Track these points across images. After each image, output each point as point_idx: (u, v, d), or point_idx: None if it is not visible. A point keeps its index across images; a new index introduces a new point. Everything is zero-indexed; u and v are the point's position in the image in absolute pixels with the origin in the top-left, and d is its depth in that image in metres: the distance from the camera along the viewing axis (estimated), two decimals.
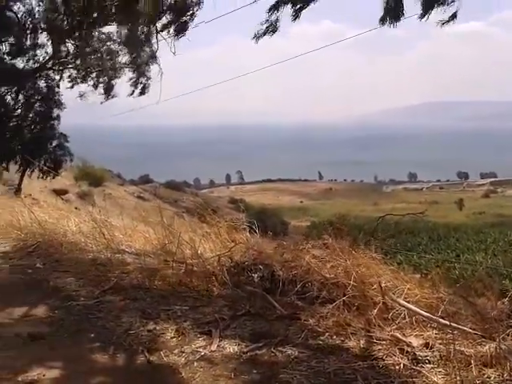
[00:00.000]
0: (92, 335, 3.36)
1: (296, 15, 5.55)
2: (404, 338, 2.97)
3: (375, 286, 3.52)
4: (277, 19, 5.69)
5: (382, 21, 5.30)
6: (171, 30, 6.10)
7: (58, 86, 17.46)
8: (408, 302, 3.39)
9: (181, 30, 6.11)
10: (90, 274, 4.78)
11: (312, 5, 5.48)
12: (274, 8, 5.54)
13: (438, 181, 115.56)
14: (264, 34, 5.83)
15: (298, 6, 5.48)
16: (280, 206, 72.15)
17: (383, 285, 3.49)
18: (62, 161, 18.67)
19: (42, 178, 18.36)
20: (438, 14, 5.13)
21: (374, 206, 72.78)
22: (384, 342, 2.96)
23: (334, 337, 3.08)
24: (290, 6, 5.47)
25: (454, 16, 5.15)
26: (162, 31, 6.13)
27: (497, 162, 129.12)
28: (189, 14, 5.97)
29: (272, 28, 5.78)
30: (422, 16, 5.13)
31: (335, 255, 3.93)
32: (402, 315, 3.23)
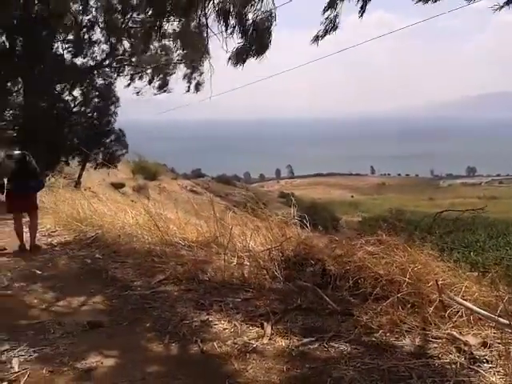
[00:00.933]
0: (148, 324, 3.47)
1: (362, 10, 5.35)
2: (461, 337, 2.88)
3: (431, 284, 3.42)
4: (336, 15, 5.48)
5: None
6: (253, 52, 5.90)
7: (115, 83, 18.06)
8: (465, 300, 3.27)
9: (260, 52, 5.94)
10: (146, 264, 4.95)
11: None
12: (330, 6, 5.37)
13: (498, 175, 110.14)
14: (324, 34, 5.61)
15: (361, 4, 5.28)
16: (331, 200, 71.23)
17: (440, 282, 3.38)
18: (119, 155, 19.36)
19: (96, 169, 19.07)
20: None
21: (429, 201, 70.43)
22: (440, 341, 2.89)
23: (388, 334, 3.02)
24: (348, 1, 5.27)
25: (509, 1, 4.83)
26: (242, 63, 5.93)
27: None
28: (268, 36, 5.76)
29: (332, 26, 5.56)
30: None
31: (390, 251, 3.84)
32: (459, 313, 3.12)
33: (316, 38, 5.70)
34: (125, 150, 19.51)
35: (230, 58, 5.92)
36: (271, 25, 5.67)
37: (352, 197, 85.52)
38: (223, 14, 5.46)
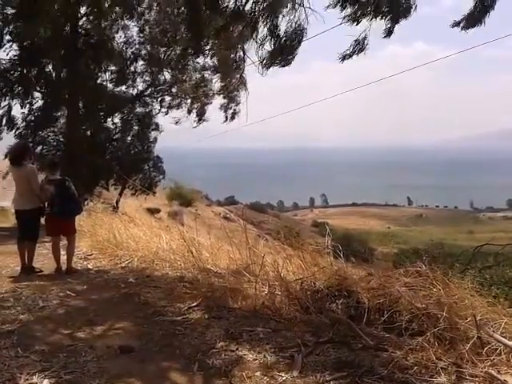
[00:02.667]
0: (177, 351, 3.45)
1: (389, 32, 5.43)
2: (499, 376, 2.74)
3: (469, 319, 3.29)
4: (365, 37, 5.59)
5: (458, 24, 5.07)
6: (277, 61, 6.09)
7: (155, 112, 18.63)
8: (505, 337, 3.12)
9: (286, 62, 6.12)
10: (178, 290, 4.96)
11: (403, 22, 5.33)
12: (352, 19, 5.45)
13: None
14: (351, 54, 5.75)
15: (390, 25, 5.36)
16: (365, 230, 70.19)
17: (478, 318, 3.24)
18: (156, 181, 19.80)
19: (135, 195, 19.52)
20: None
21: (468, 234, 68.31)
22: (477, 379, 2.76)
23: (423, 371, 2.90)
24: (380, 20, 5.35)
25: None
26: (270, 66, 6.13)
27: None
28: (297, 46, 5.95)
29: (359, 48, 5.69)
30: None
31: (428, 284, 3.73)
32: (498, 351, 2.98)
33: (343, 57, 5.81)
34: (162, 176, 19.94)
35: (261, 63, 6.07)
36: (302, 36, 5.79)
37: (388, 228, 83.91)
38: (253, 23, 5.61)
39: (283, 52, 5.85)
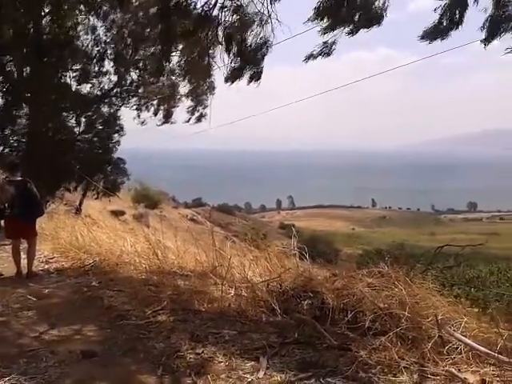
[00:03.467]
0: (142, 355, 3.41)
1: (351, 32, 5.51)
2: (459, 374, 2.82)
3: (431, 319, 3.38)
4: (334, 41, 5.67)
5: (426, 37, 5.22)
6: (247, 76, 6.10)
7: (120, 112, 18.34)
8: (465, 336, 3.22)
9: (254, 78, 6.14)
10: (143, 293, 4.89)
11: (371, 28, 5.43)
12: (330, 29, 5.53)
13: (499, 211, 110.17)
14: (318, 55, 5.82)
15: (351, 28, 5.46)
16: (331, 232, 71.05)
17: (439, 317, 3.33)
18: (119, 183, 19.48)
19: (98, 197, 19.17)
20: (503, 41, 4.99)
21: (430, 235, 70.19)
22: (438, 378, 2.83)
23: (386, 370, 2.96)
24: (345, 28, 5.44)
25: None
26: (235, 80, 6.15)
27: None
28: (261, 59, 5.98)
29: (326, 50, 5.77)
30: (486, 41, 4.98)
31: (390, 284, 3.80)
32: (458, 350, 3.07)
33: (309, 57, 5.89)
34: (125, 177, 19.64)
35: (226, 78, 6.09)
36: (266, 51, 5.84)
37: (353, 229, 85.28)
38: (227, 39, 5.63)
39: (248, 67, 5.90)
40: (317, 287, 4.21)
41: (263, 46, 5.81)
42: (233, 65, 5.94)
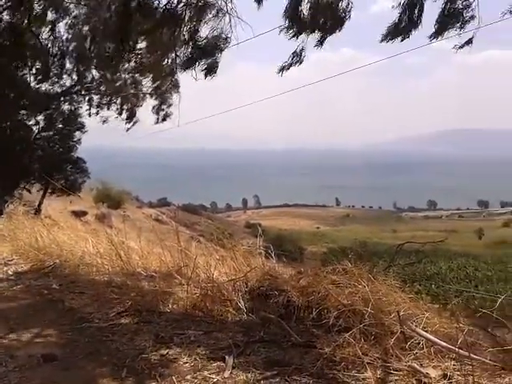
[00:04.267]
0: (105, 358, 3.34)
1: (320, 42, 5.59)
2: (421, 369, 2.88)
3: (393, 315, 3.45)
4: (302, 49, 5.74)
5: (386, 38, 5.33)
6: (200, 68, 6.11)
7: (81, 110, 17.92)
8: (426, 331, 3.30)
9: (210, 70, 6.14)
10: (105, 295, 4.79)
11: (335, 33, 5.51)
12: (296, 35, 5.58)
13: (458, 209, 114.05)
14: (290, 66, 5.89)
15: (322, 35, 5.53)
16: (296, 231, 71.75)
17: (401, 313, 3.41)
18: (81, 182, 19.07)
19: (57, 197, 18.73)
20: (458, 39, 5.14)
21: (392, 233, 71.91)
22: (401, 373, 2.88)
23: (350, 366, 3.00)
24: (313, 34, 5.51)
25: (469, 41, 5.13)
26: (187, 68, 6.15)
27: None
28: (218, 53, 5.99)
29: (297, 59, 5.84)
30: (435, 36, 5.12)
31: (354, 281, 3.86)
32: (420, 345, 3.14)
33: (282, 69, 5.94)
34: (86, 177, 19.23)
35: (180, 66, 6.08)
36: (224, 45, 5.85)
37: (317, 228, 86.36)
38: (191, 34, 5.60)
39: (203, 58, 5.88)
40: (282, 285, 4.23)
41: (220, 39, 5.81)
42: (188, 54, 5.92)
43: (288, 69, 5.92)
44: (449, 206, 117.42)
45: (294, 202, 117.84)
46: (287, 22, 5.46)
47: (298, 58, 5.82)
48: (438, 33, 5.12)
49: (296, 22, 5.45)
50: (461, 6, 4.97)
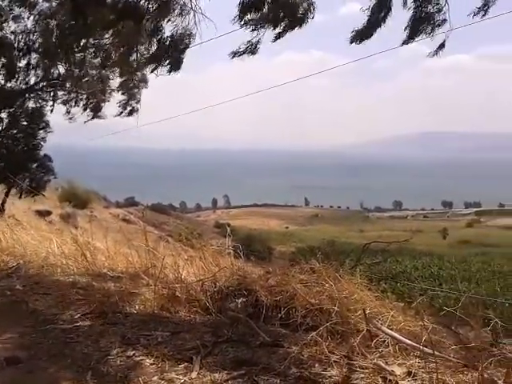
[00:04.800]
0: (69, 360, 3.27)
1: (276, 38, 5.64)
2: (387, 367, 2.93)
3: (359, 313, 3.51)
4: (258, 41, 5.77)
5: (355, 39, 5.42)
6: (164, 65, 6.08)
7: (46, 107, 17.46)
8: (392, 329, 3.37)
9: (174, 67, 6.11)
10: (70, 297, 4.68)
11: (297, 30, 5.56)
12: (254, 27, 5.61)
13: (423, 209, 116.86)
14: (243, 53, 5.91)
15: (278, 31, 5.58)
16: (266, 230, 71.99)
17: (367, 312, 3.47)
18: (46, 181, 18.60)
19: (20, 197, 18.24)
20: (426, 43, 5.27)
21: (359, 232, 73.05)
22: (366, 371, 2.92)
23: (317, 365, 3.03)
24: (271, 28, 5.56)
25: (441, 46, 5.27)
26: (151, 65, 6.12)
27: (481, 192, 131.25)
28: (182, 49, 5.97)
29: (251, 49, 5.86)
30: (407, 41, 5.24)
31: (322, 280, 3.91)
32: (386, 343, 3.20)
33: (234, 54, 5.97)
34: (52, 175, 18.77)
35: (144, 63, 6.05)
36: (188, 42, 5.84)
37: (286, 227, 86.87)
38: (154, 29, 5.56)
39: (167, 55, 5.86)
40: (251, 285, 4.23)
41: (184, 37, 5.79)
42: (152, 51, 5.89)
43: (240, 56, 5.95)
44: (414, 206, 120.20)
45: (263, 202, 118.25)
46: (245, 13, 5.47)
47: (251, 47, 5.86)
48: (410, 37, 5.23)
49: (254, 15, 5.48)
50: (432, 10, 5.09)
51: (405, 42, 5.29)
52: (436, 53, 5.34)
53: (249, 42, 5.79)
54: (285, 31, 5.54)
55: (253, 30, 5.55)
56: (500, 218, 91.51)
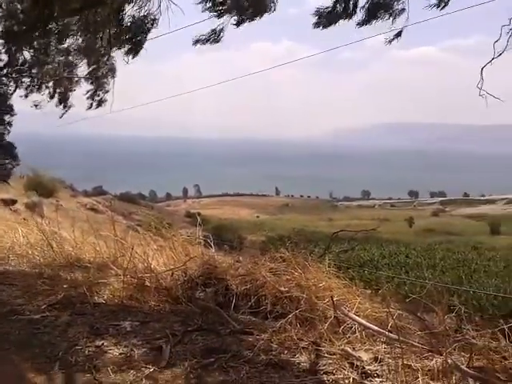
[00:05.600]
0: (37, 350, 3.22)
1: (239, 23, 5.61)
2: (354, 353, 3.00)
3: (327, 300, 3.57)
4: (221, 29, 5.74)
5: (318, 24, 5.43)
6: (126, 48, 5.98)
7: (11, 94, 16.92)
8: (359, 316, 3.44)
9: (134, 50, 6.02)
10: (37, 287, 4.60)
11: (258, 19, 5.54)
12: (218, 15, 5.57)
13: (390, 199, 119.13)
14: (206, 40, 5.87)
15: (241, 18, 5.56)
16: (237, 220, 72.06)
17: (335, 299, 3.54)
18: (10, 169, 18.10)
19: None
20: (383, 27, 5.31)
21: (328, 221, 73.95)
22: (334, 357, 2.99)
23: (286, 352, 3.08)
24: (234, 16, 5.52)
25: (398, 34, 5.33)
26: (113, 49, 6.01)
27: (446, 182, 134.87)
28: (144, 34, 5.87)
29: (214, 37, 5.82)
30: (363, 23, 5.25)
31: (291, 268, 3.95)
32: (353, 329, 3.27)
33: (196, 41, 5.93)
34: (17, 163, 18.26)
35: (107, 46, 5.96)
36: (150, 26, 5.76)
37: (257, 217, 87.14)
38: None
39: (129, 39, 5.76)
40: (221, 274, 4.25)
41: (146, 20, 5.70)
42: (113, 34, 5.79)
43: (203, 43, 5.91)
44: (381, 195, 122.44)
45: (234, 192, 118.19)
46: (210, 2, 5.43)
47: (215, 36, 5.82)
48: (367, 20, 5.24)
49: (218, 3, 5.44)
50: None
51: (360, 24, 5.27)
52: (392, 40, 5.37)
53: (213, 30, 5.74)
54: (249, 18, 5.49)
55: (218, 17, 5.49)
56: (464, 208, 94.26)
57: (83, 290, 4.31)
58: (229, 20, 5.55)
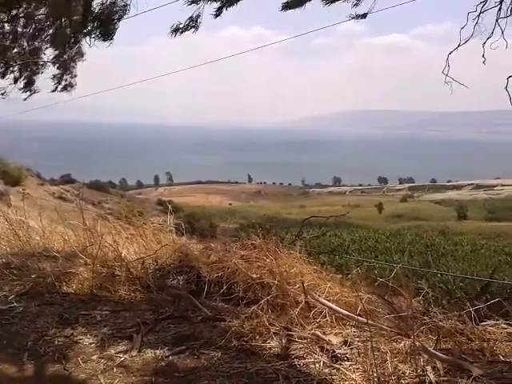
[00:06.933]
0: (5, 342, 3.16)
1: (217, 13, 5.54)
2: (324, 337, 3.05)
3: (298, 286, 3.61)
4: (198, 15, 5.65)
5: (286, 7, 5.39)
6: (97, 34, 5.83)
7: None
8: (329, 300, 3.49)
9: (106, 36, 5.88)
10: (4, 277, 4.49)
11: (235, 6, 5.48)
12: (193, 2, 5.49)
13: (360, 185, 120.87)
14: (185, 29, 5.78)
15: (219, 4, 5.48)
16: (209, 207, 71.80)
17: (306, 284, 3.58)
18: None
19: None
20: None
21: (300, 208, 74.57)
22: (305, 341, 3.03)
23: (257, 337, 3.10)
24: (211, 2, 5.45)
25: (364, 15, 5.29)
26: (87, 35, 5.86)
27: (414, 168, 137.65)
28: (115, 19, 5.73)
29: (192, 24, 5.73)
30: (330, 2, 5.20)
31: (262, 255, 3.97)
32: (323, 314, 3.32)
33: (175, 31, 5.84)
34: None
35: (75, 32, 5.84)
36: (122, 13, 5.68)
37: (230, 204, 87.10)
38: None
39: (100, 24, 5.64)
40: (193, 262, 4.24)
41: (117, 6, 5.59)
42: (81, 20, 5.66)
43: (182, 32, 5.82)
44: (352, 182, 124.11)
45: (207, 179, 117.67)
46: None
47: (193, 23, 5.74)
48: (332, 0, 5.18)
49: None
50: None
51: (327, 2, 5.22)
52: (353, 18, 5.34)
53: (190, 17, 5.64)
54: (225, 5, 5.42)
55: (192, 3, 5.39)
56: (431, 194, 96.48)
57: (51, 280, 4.23)
58: (203, 5, 5.46)
